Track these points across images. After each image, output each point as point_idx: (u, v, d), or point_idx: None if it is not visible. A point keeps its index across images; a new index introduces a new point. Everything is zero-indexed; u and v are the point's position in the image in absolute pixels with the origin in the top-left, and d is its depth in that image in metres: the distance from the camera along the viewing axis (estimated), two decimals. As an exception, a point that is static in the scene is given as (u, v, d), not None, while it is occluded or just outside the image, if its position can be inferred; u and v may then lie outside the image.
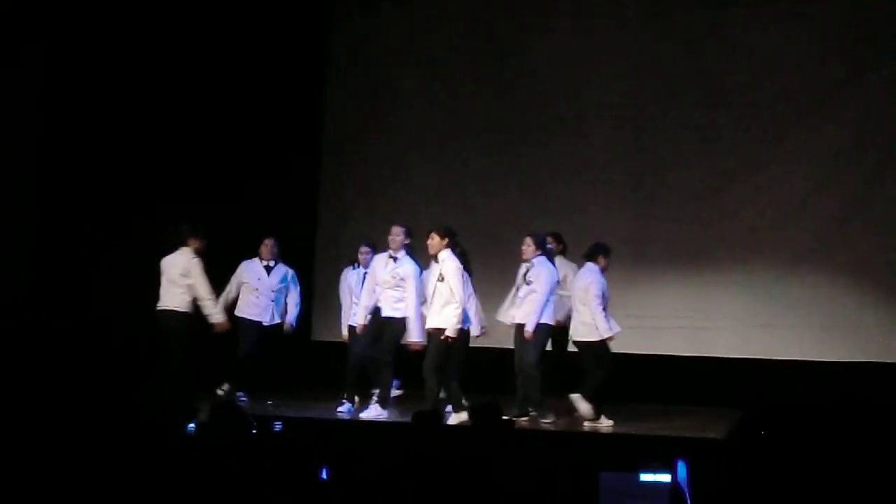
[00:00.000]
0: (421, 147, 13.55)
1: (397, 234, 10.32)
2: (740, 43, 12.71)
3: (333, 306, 12.06)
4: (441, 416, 7.98)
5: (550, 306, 10.38)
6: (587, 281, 10.29)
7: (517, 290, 10.57)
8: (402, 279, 10.18)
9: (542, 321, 10.27)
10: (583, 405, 9.99)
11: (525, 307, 10.34)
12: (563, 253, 11.44)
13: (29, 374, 10.56)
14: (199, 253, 10.55)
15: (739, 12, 12.72)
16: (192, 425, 6.63)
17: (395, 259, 10.29)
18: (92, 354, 11.30)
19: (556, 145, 13.16)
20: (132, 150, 12.51)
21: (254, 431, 7.01)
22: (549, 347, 10.67)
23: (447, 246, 9.94)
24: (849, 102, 12.41)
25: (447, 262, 9.86)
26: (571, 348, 10.62)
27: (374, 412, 10.12)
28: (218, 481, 5.88)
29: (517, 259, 10.68)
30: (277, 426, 7.03)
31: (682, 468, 5.96)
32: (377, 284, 10.36)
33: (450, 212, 13.00)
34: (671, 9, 13.01)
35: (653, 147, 12.94)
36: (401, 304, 10.17)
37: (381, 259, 10.44)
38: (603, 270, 10.35)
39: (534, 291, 10.30)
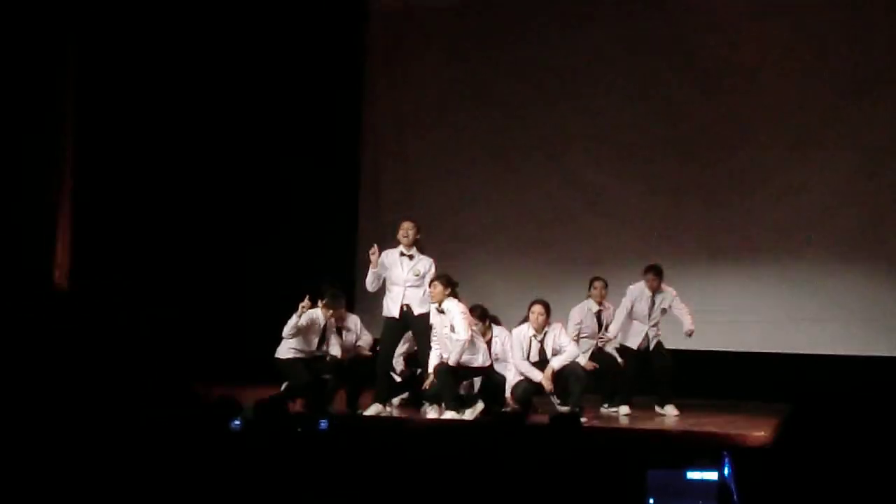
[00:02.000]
0: (460, 150, 13.55)
1: (409, 229, 10.28)
2: (777, 37, 12.65)
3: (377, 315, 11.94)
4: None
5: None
6: None
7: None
8: (422, 276, 10.17)
9: None
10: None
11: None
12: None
13: (69, 368, 10.63)
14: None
15: (776, 4, 12.66)
16: (237, 422, 6.65)
17: (410, 257, 10.27)
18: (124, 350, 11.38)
19: (595, 136, 13.13)
20: (171, 150, 12.60)
21: (299, 430, 7.04)
22: None
23: (450, 295, 9.91)
24: (886, 97, 12.32)
25: (456, 316, 9.80)
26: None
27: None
28: (261, 478, 5.90)
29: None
30: (323, 424, 7.04)
31: (727, 464, 5.93)
32: (394, 284, 10.32)
33: (489, 213, 13.06)
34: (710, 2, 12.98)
35: (692, 141, 12.90)
36: (427, 298, 10.13)
37: (392, 257, 10.35)
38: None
39: None
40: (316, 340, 10.45)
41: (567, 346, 10.28)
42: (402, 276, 10.23)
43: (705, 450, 6.43)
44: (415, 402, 10.73)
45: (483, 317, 10.48)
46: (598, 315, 11.20)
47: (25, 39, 11.54)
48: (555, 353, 10.18)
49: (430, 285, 9.94)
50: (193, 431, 6.25)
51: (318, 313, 10.39)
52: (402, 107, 13.82)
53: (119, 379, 10.04)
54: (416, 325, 10.25)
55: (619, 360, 11.05)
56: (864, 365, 11.93)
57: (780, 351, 12.33)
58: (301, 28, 13.46)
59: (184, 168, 12.81)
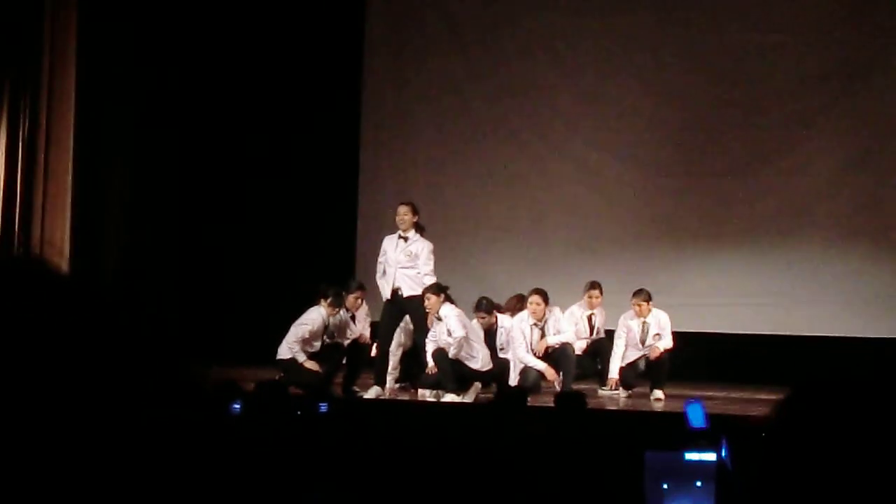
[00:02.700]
0: (462, 128, 13.54)
1: (405, 214, 10.29)
2: (780, 19, 12.62)
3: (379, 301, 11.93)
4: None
5: None
6: None
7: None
8: (416, 256, 10.18)
9: None
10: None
11: None
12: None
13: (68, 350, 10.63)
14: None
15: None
16: (237, 405, 6.66)
17: (405, 239, 10.29)
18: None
19: (596, 119, 13.13)
20: (173, 138, 12.63)
21: (298, 412, 7.05)
22: None
23: (444, 301, 9.95)
24: (886, 80, 12.31)
25: (451, 319, 9.87)
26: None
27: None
28: (260, 461, 5.91)
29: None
30: (323, 407, 7.05)
31: (695, 411, 5.92)
32: (389, 266, 10.34)
33: (492, 193, 13.05)
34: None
35: (693, 124, 12.89)
36: (419, 279, 10.16)
37: (391, 240, 10.38)
38: None
39: None
40: (319, 343, 10.41)
41: (566, 329, 10.33)
42: (395, 258, 10.25)
43: (704, 431, 6.44)
44: (413, 387, 10.76)
45: (489, 309, 10.50)
46: (590, 318, 11.24)
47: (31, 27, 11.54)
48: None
49: (425, 299, 9.97)
50: (193, 414, 6.25)
51: (322, 314, 10.37)
52: (401, 93, 13.79)
53: (118, 363, 10.02)
54: (408, 307, 10.28)
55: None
56: (865, 347, 11.93)
57: (779, 333, 12.35)
58: (300, 17, 13.43)
59: (184, 153, 12.80)
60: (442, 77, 13.61)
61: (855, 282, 12.32)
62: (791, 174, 12.57)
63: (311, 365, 10.08)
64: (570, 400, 7.35)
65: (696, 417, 5.87)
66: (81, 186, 11.68)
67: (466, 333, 9.88)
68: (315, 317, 10.26)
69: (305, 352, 10.17)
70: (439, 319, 9.91)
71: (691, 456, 5.47)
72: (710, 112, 12.82)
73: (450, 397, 9.81)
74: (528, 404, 7.78)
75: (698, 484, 5.31)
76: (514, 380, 10.30)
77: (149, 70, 12.31)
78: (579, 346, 11.04)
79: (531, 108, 13.36)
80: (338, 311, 10.39)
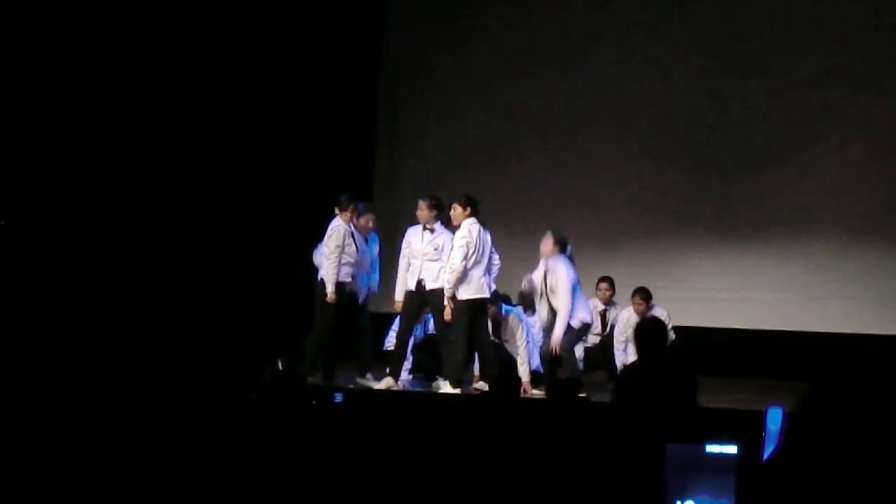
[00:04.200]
0: (478, 102, 13.50)
1: (422, 209, 10.30)
2: (796, 17, 12.56)
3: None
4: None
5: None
6: None
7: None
8: (440, 250, 10.15)
9: None
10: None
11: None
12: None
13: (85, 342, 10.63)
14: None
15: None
16: (253, 395, 6.63)
17: (431, 231, 10.26)
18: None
19: (610, 112, 13.09)
20: (185, 121, 12.57)
21: (314, 402, 7.03)
22: None
23: (469, 215, 9.91)
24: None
25: (458, 232, 9.97)
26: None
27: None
28: (275, 451, 5.88)
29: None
30: (338, 398, 7.03)
31: (775, 416, 5.86)
32: (414, 258, 10.31)
33: (507, 168, 13.03)
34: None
35: (708, 119, 12.84)
36: (441, 272, 10.13)
37: (416, 232, 10.37)
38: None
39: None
40: (354, 250, 10.42)
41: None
42: (421, 249, 10.23)
43: (722, 424, 6.40)
44: (428, 378, 10.73)
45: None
46: (603, 314, 11.22)
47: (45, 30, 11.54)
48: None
49: (450, 207, 10.06)
50: (210, 403, 6.23)
51: (339, 221, 10.40)
52: (418, 89, 13.78)
53: (137, 347, 10.03)
54: (430, 300, 10.24)
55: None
56: (878, 343, 11.88)
57: (793, 329, 12.29)
58: (317, 18, 13.40)
59: (201, 150, 12.75)
60: (459, 73, 13.58)
61: (869, 279, 12.26)
62: (806, 170, 12.52)
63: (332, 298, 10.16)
64: (561, 387, 7.25)
65: (774, 421, 5.82)
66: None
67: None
68: (335, 224, 10.34)
69: (347, 264, 10.25)
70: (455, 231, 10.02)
71: (712, 448, 5.43)
72: (726, 107, 12.77)
73: (447, 388, 9.79)
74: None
75: (719, 477, 5.27)
76: (523, 374, 10.25)
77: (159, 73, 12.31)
78: (591, 341, 11.02)
79: (546, 104, 13.32)
80: (352, 217, 10.40)
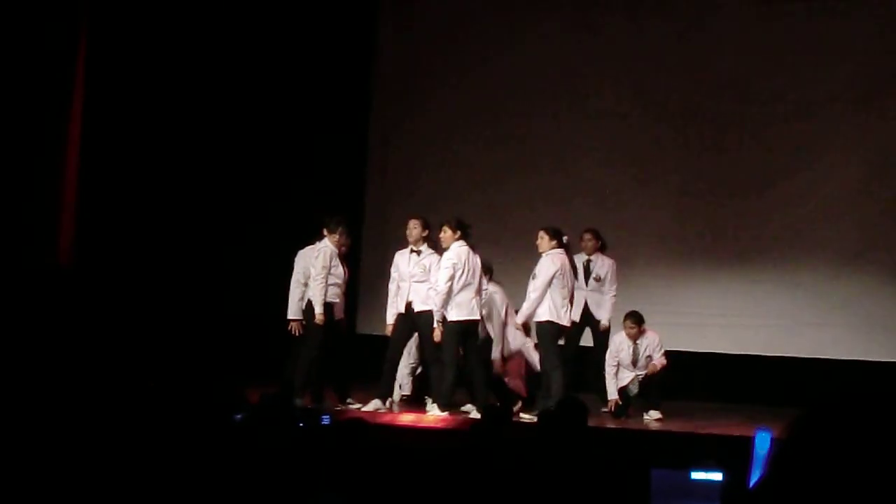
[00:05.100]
0: (468, 127, 13.51)
1: (414, 227, 10.32)
2: (790, 37, 12.60)
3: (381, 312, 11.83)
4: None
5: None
6: None
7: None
8: (428, 272, 10.16)
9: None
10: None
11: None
12: (602, 250, 11.43)
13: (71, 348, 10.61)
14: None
15: (791, 6, 12.61)
16: (239, 416, 6.61)
17: (418, 253, 10.27)
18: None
19: (600, 137, 13.09)
20: (176, 136, 12.58)
21: (301, 424, 7.01)
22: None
23: (458, 238, 9.93)
24: (893, 103, 12.28)
25: (444, 260, 9.99)
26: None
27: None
28: (262, 472, 5.86)
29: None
30: (326, 420, 7.01)
31: (763, 440, 5.85)
32: (402, 281, 10.31)
33: (497, 193, 13.00)
34: (719, 3, 12.93)
35: (698, 143, 12.86)
36: (430, 294, 10.12)
37: (403, 255, 10.39)
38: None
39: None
40: (341, 271, 10.44)
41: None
42: (409, 271, 10.23)
43: (709, 451, 6.41)
44: (417, 400, 10.70)
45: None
46: (587, 265, 11.19)
47: (36, 27, 11.51)
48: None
49: (440, 230, 10.09)
50: (196, 424, 6.20)
51: (327, 242, 10.43)
52: (408, 117, 13.77)
53: (120, 366, 10.01)
54: (417, 322, 10.23)
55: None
56: (870, 370, 11.88)
57: (782, 354, 12.30)
58: (308, 46, 13.42)
59: (189, 153, 12.74)
60: (450, 101, 13.58)
61: (857, 305, 12.27)
62: (798, 195, 12.53)
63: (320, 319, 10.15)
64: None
65: (763, 445, 5.83)
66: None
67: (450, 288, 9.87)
68: (321, 246, 10.35)
69: (334, 285, 10.25)
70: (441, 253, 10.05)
71: (697, 475, 5.44)
72: (718, 132, 12.79)
73: (434, 411, 9.78)
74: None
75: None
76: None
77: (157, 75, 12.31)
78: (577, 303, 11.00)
79: (537, 130, 13.31)
80: (340, 240, 10.42)
